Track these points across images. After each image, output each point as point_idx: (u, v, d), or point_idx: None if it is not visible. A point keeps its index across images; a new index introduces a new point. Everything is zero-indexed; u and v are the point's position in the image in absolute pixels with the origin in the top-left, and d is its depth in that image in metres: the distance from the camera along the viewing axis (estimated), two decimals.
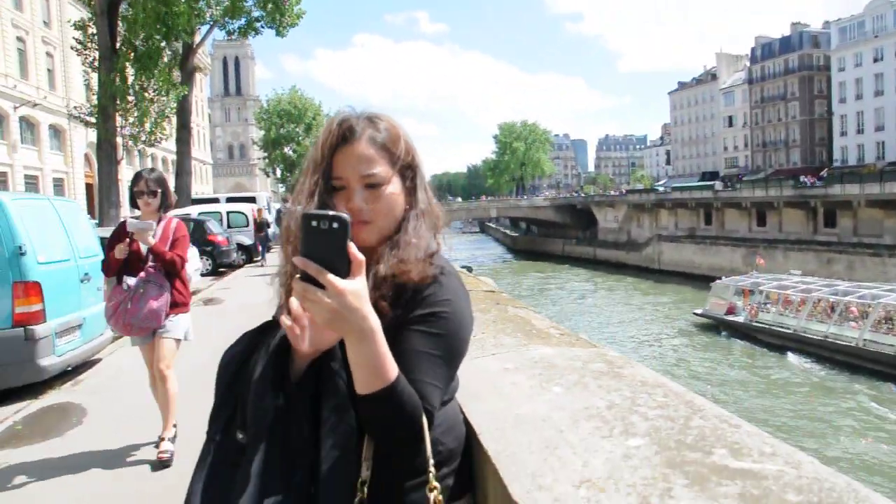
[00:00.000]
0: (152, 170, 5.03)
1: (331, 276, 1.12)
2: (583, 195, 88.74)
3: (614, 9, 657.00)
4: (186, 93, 23.54)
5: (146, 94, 20.91)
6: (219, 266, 20.15)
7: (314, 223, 1.15)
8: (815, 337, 25.78)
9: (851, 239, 43.06)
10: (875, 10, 67.98)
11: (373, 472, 1.29)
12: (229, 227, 23.15)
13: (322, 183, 1.41)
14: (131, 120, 20.91)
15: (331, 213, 1.16)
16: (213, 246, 19.79)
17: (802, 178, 55.26)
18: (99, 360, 8.52)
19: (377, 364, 1.17)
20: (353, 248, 1.15)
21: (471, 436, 1.58)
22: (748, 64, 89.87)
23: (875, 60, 67.28)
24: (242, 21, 25.04)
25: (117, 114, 19.77)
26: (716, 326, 31.87)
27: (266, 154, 68.26)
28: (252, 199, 28.67)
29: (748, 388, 22.77)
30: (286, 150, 69.93)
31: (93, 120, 20.66)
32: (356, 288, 1.14)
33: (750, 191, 53.79)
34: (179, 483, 4.54)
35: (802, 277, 32.04)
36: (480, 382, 1.58)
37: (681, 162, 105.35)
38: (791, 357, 26.13)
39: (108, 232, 13.19)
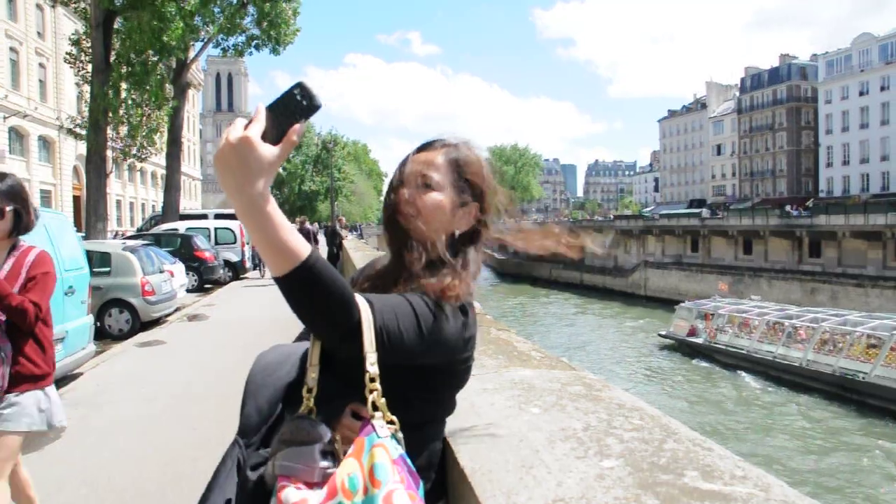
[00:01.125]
0: (3, 176, 3.42)
1: (256, 126, 1.12)
2: (571, 220, 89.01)
3: (606, 35, 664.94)
4: (178, 108, 23.58)
5: (138, 109, 20.92)
6: (205, 282, 20.07)
7: (297, 91, 1.17)
8: (765, 357, 27.75)
9: (836, 269, 43.40)
10: (861, 44, 69.12)
11: (319, 379, 1.34)
12: (217, 243, 23.08)
13: (396, 180, 1.57)
14: (122, 133, 20.89)
15: (314, 92, 1.17)
16: (200, 262, 19.72)
17: (788, 208, 55.85)
18: (81, 374, 8.46)
19: (275, 242, 1.14)
20: (296, 131, 1.15)
21: (447, 453, 1.60)
22: (737, 94, 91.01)
23: (861, 94, 68.28)
24: (238, 38, 25.14)
25: (108, 127, 19.76)
26: (679, 346, 33.55)
27: None
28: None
29: (702, 403, 24.52)
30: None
31: (83, 132, 20.62)
32: (263, 153, 1.11)
33: (737, 219, 54.21)
34: (159, 497, 4.51)
35: (759, 302, 34.24)
36: (459, 403, 1.60)
37: (669, 189, 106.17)
38: (743, 375, 27.99)
39: (94, 245, 13.17)
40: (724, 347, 30.31)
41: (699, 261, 54.58)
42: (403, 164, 1.58)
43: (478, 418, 1.78)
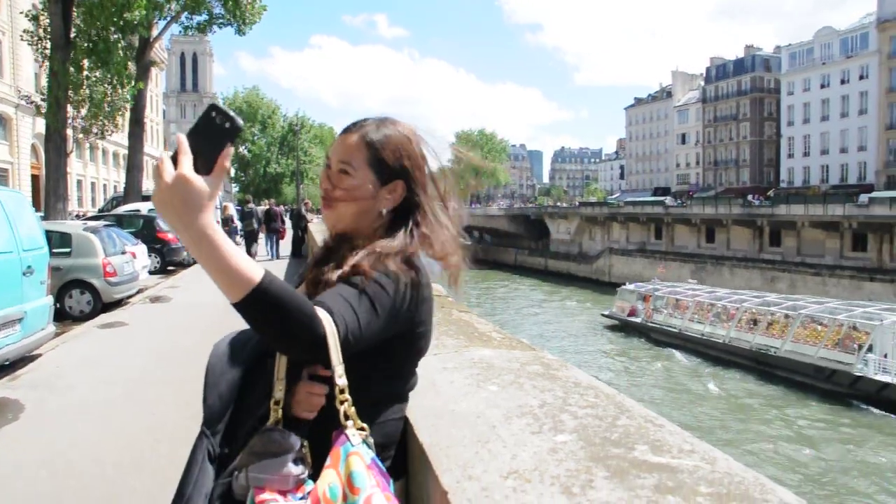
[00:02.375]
0: None
1: (186, 160, 1.13)
2: (537, 206, 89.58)
3: (573, 22, 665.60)
4: (142, 87, 23.13)
5: (101, 87, 20.46)
6: (168, 264, 19.82)
7: (214, 114, 1.18)
8: (693, 335, 30.57)
9: (795, 258, 44.38)
10: (823, 38, 70.28)
11: (287, 392, 1.38)
12: None
13: (325, 161, 1.63)
14: (83, 112, 20.43)
15: (232, 113, 1.18)
16: (163, 243, 19.45)
17: (750, 198, 56.78)
18: (39, 356, 8.33)
19: (226, 270, 1.15)
20: (226, 156, 1.17)
21: (407, 429, 1.63)
22: (702, 83, 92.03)
23: (822, 86, 69.49)
24: (202, 17, 24.67)
25: (69, 105, 19.31)
26: (620, 326, 36.38)
27: None
28: None
29: (635, 377, 27.17)
30: (241, 149, 69.08)
31: (43, 109, 20.12)
32: (200, 187, 1.12)
33: (700, 208, 55.03)
34: (119, 481, 4.48)
35: (693, 285, 37.19)
36: (419, 380, 1.63)
37: (634, 177, 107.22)
38: (674, 352, 30.48)
39: (54, 225, 12.92)
40: (659, 326, 33.10)
41: (663, 248, 55.37)
42: (331, 144, 1.63)
43: (437, 396, 1.81)
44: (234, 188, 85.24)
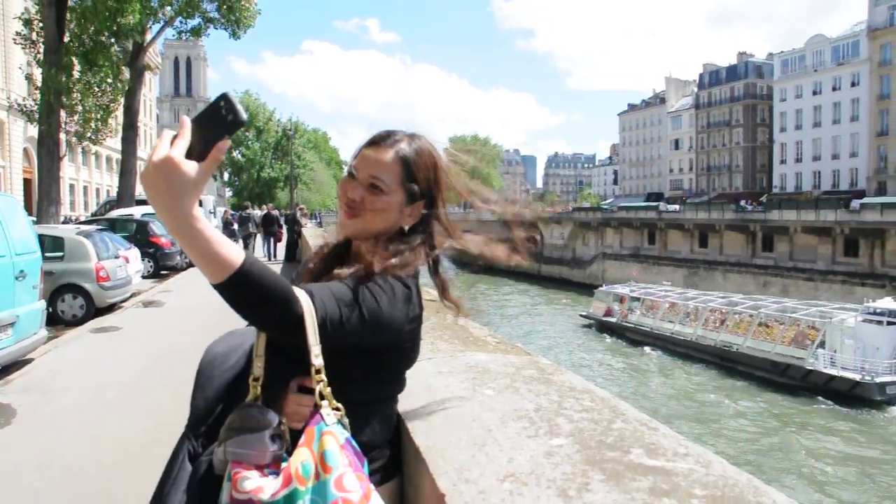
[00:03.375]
0: None
1: (181, 143, 1.14)
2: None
3: (565, 27, 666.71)
4: (135, 91, 23.09)
5: (93, 91, 20.39)
6: (161, 268, 19.77)
7: (222, 103, 1.18)
8: (664, 333, 32.81)
9: (787, 263, 44.51)
10: (815, 45, 70.70)
11: (266, 370, 1.39)
12: None
13: (348, 168, 1.61)
14: (76, 117, 20.37)
15: (239, 107, 1.18)
16: (156, 248, 19.40)
17: (743, 203, 56.98)
18: (32, 360, 8.29)
19: (207, 256, 1.16)
20: (222, 148, 1.17)
21: (402, 431, 1.64)
22: (696, 89, 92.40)
23: (814, 93, 69.89)
24: (196, 21, 24.65)
25: (62, 109, 19.26)
26: (597, 326, 38.45)
27: None
28: (199, 203, 28.19)
29: (610, 372, 29.25)
30: (234, 153, 68.98)
31: (35, 114, 20.07)
32: (188, 172, 1.12)
33: (693, 213, 55.17)
34: (113, 484, 4.47)
35: (667, 287, 39.25)
36: (414, 383, 1.64)
37: (628, 182, 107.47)
38: (646, 349, 32.83)
39: (46, 229, 12.88)
40: (632, 326, 35.31)
41: (656, 253, 55.47)
42: (355, 156, 1.62)
43: (433, 399, 1.82)
44: (228, 192, 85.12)
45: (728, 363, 28.75)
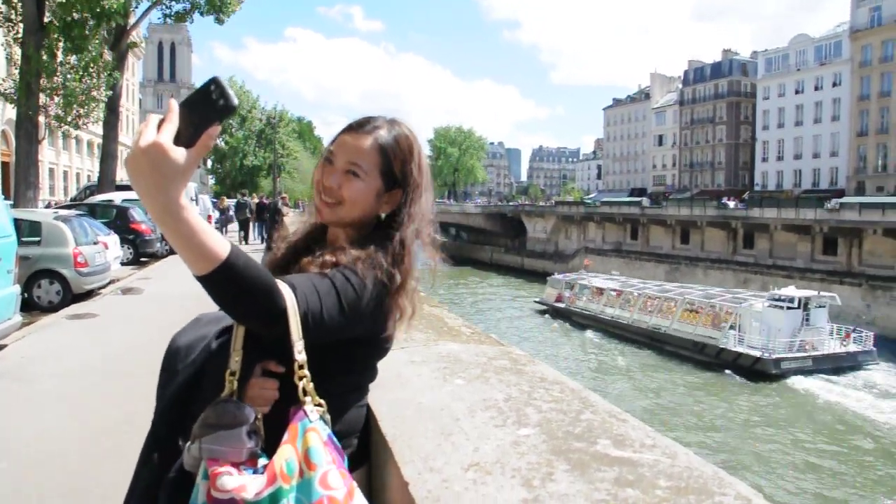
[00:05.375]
0: None
1: (169, 127, 1.10)
2: (514, 204, 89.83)
3: (551, 19, 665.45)
4: (118, 78, 22.80)
5: (75, 74, 20.11)
6: (141, 255, 19.59)
7: (213, 87, 1.13)
8: (606, 317, 36.70)
9: (767, 261, 44.94)
10: (798, 44, 71.18)
11: (243, 364, 1.36)
12: None
13: (325, 154, 1.58)
14: (57, 99, 20.07)
15: (230, 91, 1.14)
16: (136, 234, 19.22)
17: (725, 200, 57.38)
18: (5, 346, 8.19)
19: (192, 246, 1.13)
20: (211, 134, 1.14)
21: (370, 420, 1.63)
22: (680, 86, 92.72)
23: (797, 92, 70.40)
24: (181, 5, 24.38)
25: (41, 92, 18.97)
26: (549, 311, 42.02)
27: None
28: None
29: (556, 350, 33.02)
30: (218, 140, 68.42)
31: (14, 95, 19.75)
32: (176, 158, 1.09)
33: (675, 209, 55.48)
34: (84, 473, 4.43)
35: (615, 276, 42.95)
36: (386, 373, 1.62)
37: (611, 177, 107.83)
38: (589, 332, 36.66)
39: (23, 213, 12.72)
40: (579, 311, 39.10)
41: (638, 248, 55.80)
42: (333, 142, 1.59)
43: (403, 388, 1.81)
44: (211, 180, 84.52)
45: (657, 343, 32.54)
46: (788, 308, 28.89)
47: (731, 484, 1.23)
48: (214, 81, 1.14)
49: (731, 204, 53.52)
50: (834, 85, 65.87)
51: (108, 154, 25.90)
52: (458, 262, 74.03)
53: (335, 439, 1.31)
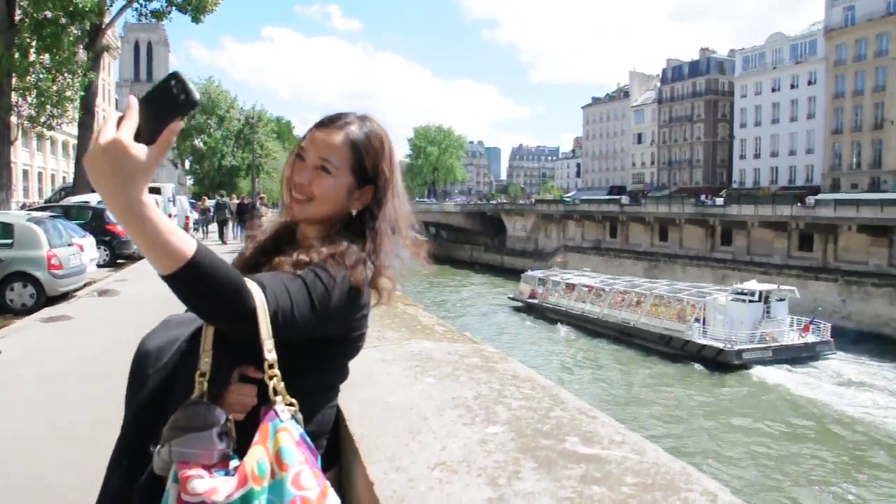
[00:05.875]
0: None
1: (129, 124, 1.08)
2: (493, 203, 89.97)
3: (530, 19, 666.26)
4: (93, 78, 22.54)
5: (49, 74, 19.87)
6: (117, 257, 19.40)
7: (173, 83, 1.10)
8: (577, 312, 37.86)
9: (745, 257, 45.37)
10: (774, 43, 71.93)
11: (213, 365, 1.33)
12: None
13: (297, 149, 1.55)
14: (29, 99, 19.82)
15: (191, 86, 1.11)
16: (112, 236, 19.00)
17: (703, 197, 57.85)
18: None
19: (156, 245, 1.11)
20: (173, 130, 1.11)
21: (339, 419, 1.61)
22: (659, 84, 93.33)
23: (773, 90, 71.13)
24: (158, 3, 24.17)
25: (13, 91, 18.71)
26: (522, 307, 43.27)
27: (175, 145, 65.81)
28: (157, 190, 27.72)
29: (529, 345, 34.28)
30: (196, 141, 67.91)
31: None
32: (137, 156, 1.06)
33: (654, 207, 55.82)
34: (59, 479, 4.37)
35: (588, 272, 44.38)
36: (356, 371, 1.60)
37: (591, 175, 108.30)
38: (560, 327, 37.87)
39: None
40: (551, 306, 40.14)
41: (617, 246, 56.08)
42: (304, 138, 1.57)
43: (373, 387, 1.79)
44: (189, 181, 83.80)
45: (627, 337, 33.78)
46: (750, 301, 30.15)
47: (698, 480, 1.23)
48: (175, 76, 1.12)
49: (719, 201, 53.98)
50: (809, 83, 66.63)
51: (83, 155, 25.56)
52: (438, 261, 73.88)
53: (308, 439, 1.29)
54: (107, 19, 24.28)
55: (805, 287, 39.08)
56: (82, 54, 22.03)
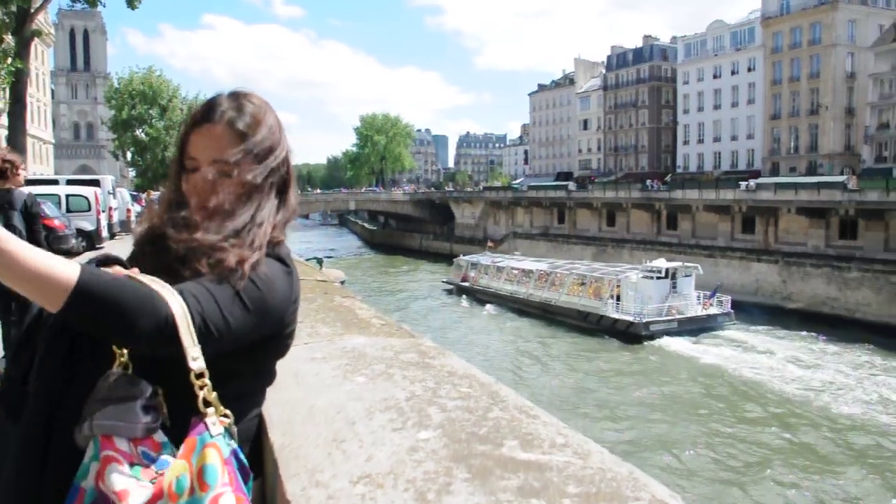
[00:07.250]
0: None
1: None
2: (442, 191, 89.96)
3: (473, 5, 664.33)
4: (20, 66, 21.59)
5: None
6: (54, 252, 18.65)
7: None
8: (504, 293, 40.61)
9: (690, 241, 46.24)
10: (715, 30, 73.28)
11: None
12: (69, 210, 21.45)
13: (177, 163, 1.37)
14: None
15: None
16: (48, 230, 18.26)
17: (649, 182, 58.74)
18: None
19: (31, 278, 0.99)
20: None
21: (261, 427, 1.47)
22: (603, 71, 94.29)
23: (714, 76, 72.51)
24: None
25: None
26: (455, 290, 45.99)
27: (116, 136, 63.96)
28: (96, 183, 26.80)
29: (459, 323, 37.44)
30: (138, 132, 66.03)
31: None
32: None
33: (601, 192, 56.46)
34: None
35: (518, 256, 47.02)
36: (282, 372, 1.46)
37: (538, 162, 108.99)
38: (487, 306, 40.62)
39: None
40: (481, 288, 43.05)
41: (565, 232, 56.61)
42: (182, 146, 1.39)
43: (298, 389, 1.66)
44: (132, 173, 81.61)
45: (549, 314, 36.31)
46: (658, 278, 32.74)
47: (646, 486, 1.13)
48: None
49: (655, 186, 54.80)
50: (749, 70, 68.06)
51: (14, 147, 24.54)
52: (387, 250, 73.71)
53: (241, 455, 1.16)
54: (36, 3, 23.28)
55: (748, 269, 40.09)
56: (10, 40, 21.10)
